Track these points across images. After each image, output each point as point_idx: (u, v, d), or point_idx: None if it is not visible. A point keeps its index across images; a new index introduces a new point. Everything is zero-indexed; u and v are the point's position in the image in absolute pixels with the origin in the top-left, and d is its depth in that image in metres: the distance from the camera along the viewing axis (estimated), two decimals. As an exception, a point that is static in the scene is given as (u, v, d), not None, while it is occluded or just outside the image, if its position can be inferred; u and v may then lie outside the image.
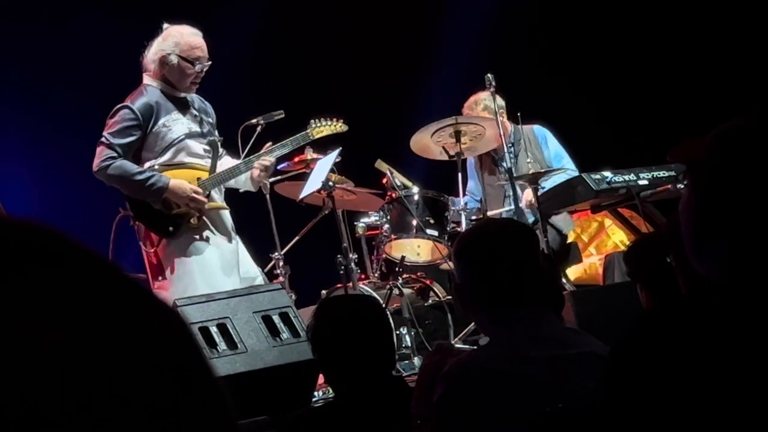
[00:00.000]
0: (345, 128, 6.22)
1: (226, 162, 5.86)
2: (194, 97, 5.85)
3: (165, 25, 5.77)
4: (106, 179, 5.60)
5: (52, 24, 7.99)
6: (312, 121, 6.11)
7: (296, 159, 6.34)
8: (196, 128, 5.72)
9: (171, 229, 5.58)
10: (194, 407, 0.72)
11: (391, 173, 6.65)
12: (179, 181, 5.57)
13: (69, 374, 0.67)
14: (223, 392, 0.75)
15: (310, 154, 6.29)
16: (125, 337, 0.71)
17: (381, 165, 6.80)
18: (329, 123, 6.17)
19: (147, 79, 5.73)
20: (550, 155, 7.01)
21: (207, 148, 5.73)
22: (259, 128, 5.89)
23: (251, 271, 5.81)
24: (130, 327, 0.72)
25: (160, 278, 5.60)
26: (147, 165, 5.61)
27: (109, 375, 0.68)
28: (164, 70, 5.68)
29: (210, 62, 5.73)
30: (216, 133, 5.92)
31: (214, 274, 5.59)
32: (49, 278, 0.70)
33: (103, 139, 5.58)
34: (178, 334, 0.74)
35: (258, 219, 6.08)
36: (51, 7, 7.97)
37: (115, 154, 5.54)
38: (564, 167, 6.82)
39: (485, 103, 6.92)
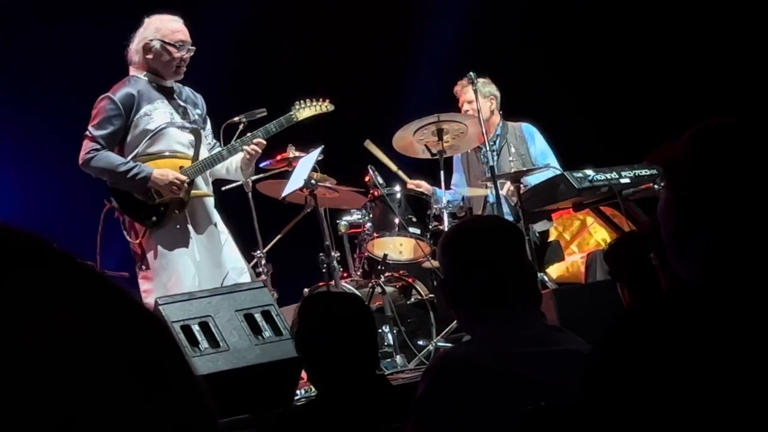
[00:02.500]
0: (331, 108, 6.11)
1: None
2: (184, 88, 5.88)
3: (146, 18, 5.80)
4: (92, 172, 5.66)
5: (35, 23, 7.96)
6: (297, 102, 6.02)
7: (278, 157, 6.33)
8: (180, 118, 5.73)
9: (154, 219, 5.62)
10: (173, 406, 0.71)
11: (374, 171, 6.65)
12: (162, 170, 5.60)
13: (45, 373, 0.67)
14: (203, 392, 0.75)
15: (292, 152, 6.27)
16: (103, 337, 0.71)
17: (369, 146, 6.80)
18: (314, 104, 6.06)
19: (133, 71, 5.78)
20: (536, 153, 7.03)
21: (191, 137, 5.73)
22: (241, 126, 5.87)
23: (239, 263, 5.81)
24: (108, 327, 0.71)
25: (144, 268, 5.64)
26: (130, 155, 5.64)
27: (86, 374, 0.68)
28: (148, 58, 5.72)
29: (194, 48, 5.76)
30: (208, 125, 5.92)
31: (197, 263, 5.60)
32: (25, 280, 0.70)
33: (87, 133, 5.65)
34: (157, 335, 0.74)
35: (240, 217, 6.07)
36: (36, 8, 7.95)
37: (98, 146, 5.59)
38: (548, 165, 6.84)
39: (477, 86, 6.89)
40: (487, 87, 7.00)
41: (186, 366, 0.75)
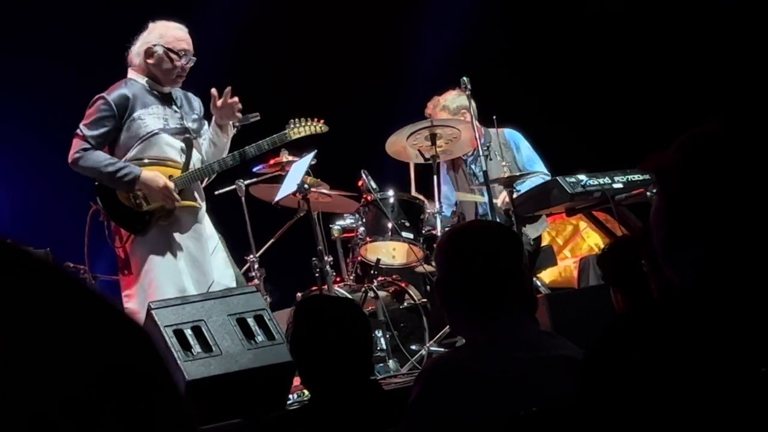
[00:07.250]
0: (325, 129, 6.10)
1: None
2: (180, 94, 5.84)
3: (150, 23, 5.79)
4: (80, 171, 5.64)
5: (27, 24, 7.97)
6: (291, 121, 5.99)
7: (271, 161, 6.32)
8: (174, 124, 5.70)
9: (139, 227, 5.60)
10: (150, 413, 0.71)
11: (368, 176, 6.64)
12: (153, 172, 5.57)
13: (12, 378, 0.67)
14: (184, 400, 0.74)
15: (285, 156, 6.27)
16: (76, 342, 0.70)
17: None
18: (309, 124, 6.04)
19: (131, 74, 5.75)
20: (523, 159, 7.00)
21: (183, 145, 5.71)
22: (234, 130, 5.87)
23: (227, 271, 5.77)
24: (83, 332, 0.71)
25: (126, 273, 5.63)
26: (122, 159, 5.62)
27: (59, 379, 0.68)
28: (149, 63, 5.69)
29: (195, 58, 5.74)
30: (205, 127, 5.89)
31: (179, 273, 5.56)
32: (3, 288, 0.70)
33: (78, 131, 5.63)
34: (136, 341, 0.74)
35: (233, 221, 6.07)
36: (29, 9, 7.95)
37: (88, 146, 5.58)
38: (538, 171, 6.83)
39: (443, 104, 6.90)
40: (456, 102, 6.91)
41: (166, 373, 0.74)
